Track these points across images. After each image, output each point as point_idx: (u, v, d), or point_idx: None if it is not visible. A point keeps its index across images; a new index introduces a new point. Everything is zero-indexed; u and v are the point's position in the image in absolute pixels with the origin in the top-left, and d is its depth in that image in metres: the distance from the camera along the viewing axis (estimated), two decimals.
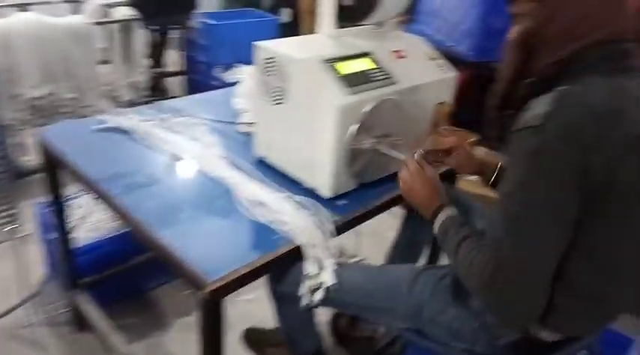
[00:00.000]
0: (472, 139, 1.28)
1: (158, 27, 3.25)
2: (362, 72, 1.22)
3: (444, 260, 0.97)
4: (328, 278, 1.08)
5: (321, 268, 1.10)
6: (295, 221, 1.12)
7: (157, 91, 3.59)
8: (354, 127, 1.15)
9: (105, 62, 2.89)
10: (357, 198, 1.26)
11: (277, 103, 1.27)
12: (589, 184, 0.81)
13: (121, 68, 2.91)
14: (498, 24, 1.96)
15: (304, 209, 1.16)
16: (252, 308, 1.85)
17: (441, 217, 1.05)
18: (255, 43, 1.28)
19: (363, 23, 1.40)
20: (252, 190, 1.23)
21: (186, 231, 1.12)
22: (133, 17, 2.81)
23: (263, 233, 1.11)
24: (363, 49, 1.28)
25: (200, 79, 3.63)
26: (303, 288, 1.10)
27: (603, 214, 0.85)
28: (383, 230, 1.95)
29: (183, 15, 3.25)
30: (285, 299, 1.20)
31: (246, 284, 1.06)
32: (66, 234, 1.69)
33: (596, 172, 0.80)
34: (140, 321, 1.88)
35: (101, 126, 1.53)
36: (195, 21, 3.35)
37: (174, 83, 3.69)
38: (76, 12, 3.06)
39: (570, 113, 0.81)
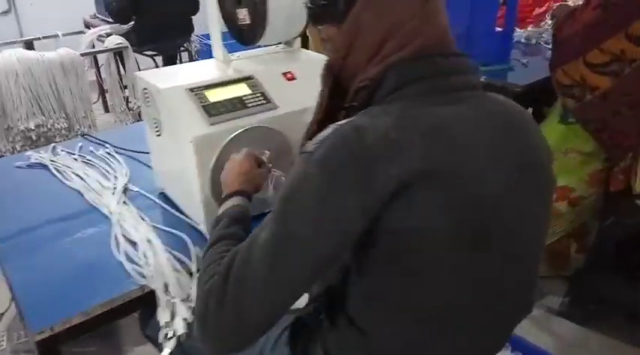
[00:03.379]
0: None
1: (153, 53, 3.31)
2: (235, 99, 1.13)
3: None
4: (179, 326, 1.00)
5: (174, 314, 1.01)
6: (154, 262, 1.05)
7: None
8: (213, 160, 1.07)
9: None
10: None
11: (157, 135, 1.21)
12: (352, 226, 0.68)
13: (118, 94, 2.99)
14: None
15: (172, 248, 1.09)
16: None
17: (229, 202, 0.94)
18: (136, 73, 1.23)
19: (268, 44, 1.32)
20: (130, 227, 1.18)
21: (38, 269, 1.08)
22: (125, 45, 2.88)
23: (118, 276, 1.05)
24: (245, 73, 1.19)
25: None
26: (161, 336, 1.02)
27: (394, 264, 0.72)
28: None
29: (178, 39, 3.28)
30: (154, 342, 1.12)
31: (88, 332, 1.00)
32: None
33: (358, 213, 0.67)
34: (99, 350, 1.87)
35: (23, 162, 1.54)
36: (195, 43, 3.38)
37: None
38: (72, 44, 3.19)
39: (334, 145, 0.69)
